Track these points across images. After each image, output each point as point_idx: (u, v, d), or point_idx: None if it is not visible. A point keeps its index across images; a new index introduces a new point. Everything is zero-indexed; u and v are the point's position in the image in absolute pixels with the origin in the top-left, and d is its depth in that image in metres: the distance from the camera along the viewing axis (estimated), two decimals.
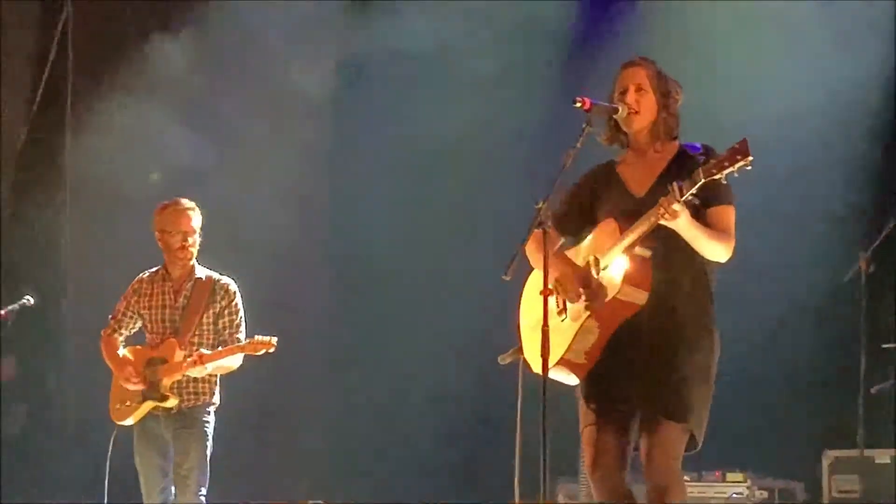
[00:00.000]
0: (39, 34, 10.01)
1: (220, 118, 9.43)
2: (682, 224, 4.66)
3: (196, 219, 6.67)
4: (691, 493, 7.02)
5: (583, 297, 4.82)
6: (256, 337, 6.48)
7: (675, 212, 4.60)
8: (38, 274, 9.23)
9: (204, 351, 6.51)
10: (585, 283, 4.84)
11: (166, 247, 6.67)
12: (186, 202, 6.69)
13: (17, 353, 9.70)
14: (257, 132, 9.46)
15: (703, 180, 4.56)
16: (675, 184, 4.61)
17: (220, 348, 6.56)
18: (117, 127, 9.47)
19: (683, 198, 4.59)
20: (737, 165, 4.50)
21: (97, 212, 9.65)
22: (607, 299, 4.76)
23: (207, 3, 9.44)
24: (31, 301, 7.64)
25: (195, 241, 6.66)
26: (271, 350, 6.48)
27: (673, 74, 5.02)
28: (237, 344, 6.56)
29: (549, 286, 4.71)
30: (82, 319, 8.37)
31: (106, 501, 6.86)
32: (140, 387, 6.52)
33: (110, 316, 6.79)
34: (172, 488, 6.54)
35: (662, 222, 4.64)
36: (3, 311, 7.59)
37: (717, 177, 4.53)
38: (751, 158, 4.47)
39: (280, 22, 9.37)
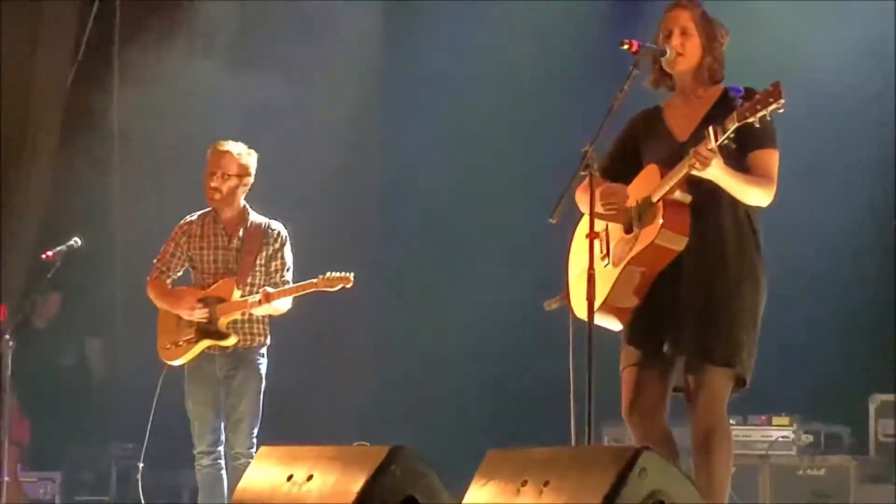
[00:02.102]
0: None
1: (267, 58, 9.43)
2: (716, 173, 4.63)
3: (238, 161, 6.59)
4: (736, 436, 6.96)
5: (634, 218, 4.79)
6: (329, 273, 6.48)
7: (705, 160, 4.56)
8: (87, 223, 9.29)
9: (269, 289, 6.53)
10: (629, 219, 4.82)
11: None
12: (232, 144, 6.61)
13: (64, 294, 9.83)
14: (306, 69, 9.44)
15: (736, 124, 4.54)
16: (710, 129, 4.59)
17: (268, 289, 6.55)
18: (163, 75, 9.51)
19: (718, 143, 4.57)
20: (770, 108, 4.47)
21: (145, 161, 9.72)
22: (648, 243, 4.73)
23: None
24: (79, 242, 7.68)
25: (235, 183, 6.58)
26: (349, 286, 6.48)
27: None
28: (290, 285, 6.57)
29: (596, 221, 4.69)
30: (132, 265, 8.45)
31: (146, 441, 6.85)
32: (205, 316, 6.55)
33: (155, 259, 6.77)
34: (222, 425, 6.59)
35: (694, 172, 4.61)
36: (51, 252, 7.66)
37: (749, 120, 4.51)
38: (783, 101, 4.44)
39: None
